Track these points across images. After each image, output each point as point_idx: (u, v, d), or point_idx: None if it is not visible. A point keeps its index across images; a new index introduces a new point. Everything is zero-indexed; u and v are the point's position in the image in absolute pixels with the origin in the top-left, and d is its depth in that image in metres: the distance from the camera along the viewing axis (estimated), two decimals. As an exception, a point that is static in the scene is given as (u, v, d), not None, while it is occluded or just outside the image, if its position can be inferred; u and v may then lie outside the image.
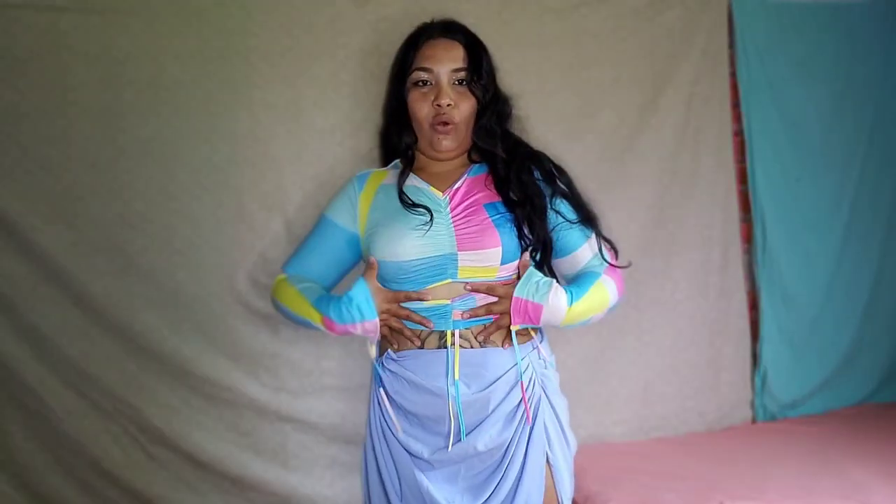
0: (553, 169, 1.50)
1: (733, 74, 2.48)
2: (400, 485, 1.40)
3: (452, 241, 1.35)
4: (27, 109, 1.83)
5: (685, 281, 2.42)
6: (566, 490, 1.44)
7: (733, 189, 2.48)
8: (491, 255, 1.36)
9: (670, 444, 2.30)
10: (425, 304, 1.36)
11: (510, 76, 2.19)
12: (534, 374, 1.41)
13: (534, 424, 1.38)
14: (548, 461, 1.40)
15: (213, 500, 1.97)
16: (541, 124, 2.23)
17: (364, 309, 1.34)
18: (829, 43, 2.56)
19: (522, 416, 1.37)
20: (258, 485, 1.99)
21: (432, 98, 1.37)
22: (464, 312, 1.36)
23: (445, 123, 1.37)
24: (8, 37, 1.80)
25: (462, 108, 1.39)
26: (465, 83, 1.40)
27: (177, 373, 1.94)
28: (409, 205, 1.37)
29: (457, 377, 1.34)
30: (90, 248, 1.88)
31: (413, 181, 1.44)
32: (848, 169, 2.60)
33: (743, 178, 2.53)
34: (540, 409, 1.40)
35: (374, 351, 1.43)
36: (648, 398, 2.39)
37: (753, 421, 2.51)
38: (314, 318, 1.39)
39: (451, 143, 1.40)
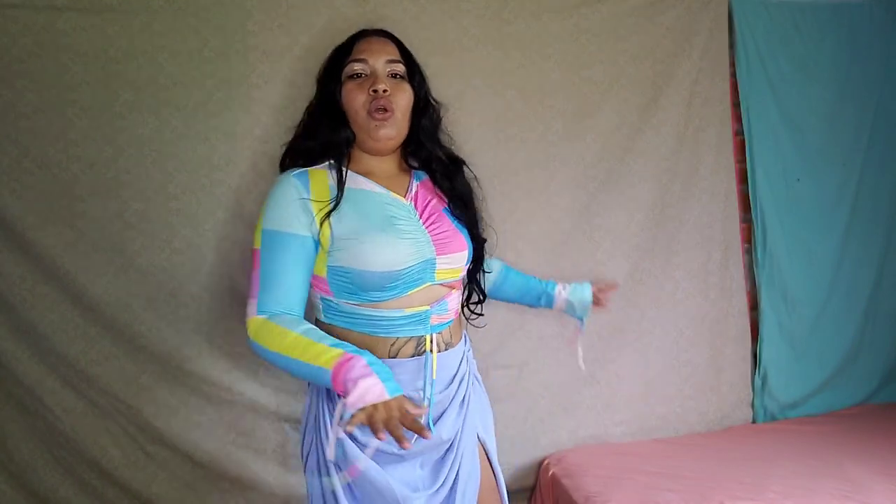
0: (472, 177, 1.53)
1: (733, 74, 2.48)
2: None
3: (431, 247, 1.34)
4: (26, 109, 1.83)
5: (685, 281, 2.42)
6: (497, 462, 1.52)
7: (733, 189, 2.48)
8: (461, 258, 1.39)
9: (670, 444, 2.30)
10: (407, 310, 1.33)
11: (510, 75, 2.20)
12: (469, 363, 1.48)
13: (468, 407, 1.44)
14: (479, 438, 1.47)
15: (212, 500, 1.97)
16: (540, 124, 2.25)
17: (391, 381, 1.17)
18: (829, 43, 2.56)
19: (464, 401, 1.43)
20: (257, 485, 1.98)
21: (368, 86, 1.33)
22: None
23: (384, 110, 1.33)
24: (7, 36, 1.80)
25: (399, 98, 1.35)
26: (399, 76, 1.38)
27: (176, 372, 1.93)
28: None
29: (434, 377, 1.35)
30: (89, 247, 1.87)
31: (368, 185, 1.36)
32: (848, 169, 2.60)
33: (743, 178, 2.53)
34: (474, 392, 1.48)
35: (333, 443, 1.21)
36: (649, 398, 2.39)
37: (753, 421, 2.51)
38: (327, 357, 1.18)
39: (389, 131, 1.34)
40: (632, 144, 2.34)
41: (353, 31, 2.05)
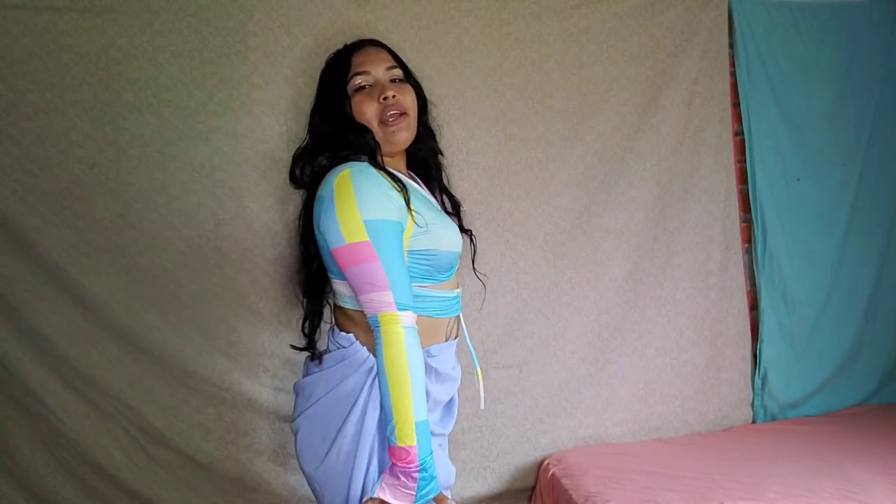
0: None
1: (733, 74, 2.48)
2: None
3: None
4: (27, 110, 1.83)
5: (685, 281, 2.42)
6: None
7: (733, 189, 2.48)
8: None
9: (670, 445, 2.30)
10: (455, 291, 1.44)
11: (511, 75, 2.21)
12: None
13: None
14: None
15: (214, 501, 1.97)
16: (541, 123, 2.25)
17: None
18: (829, 43, 2.56)
19: None
20: (258, 485, 1.99)
21: (376, 95, 1.40)
22: None
23: (399, 115, 1.40)
24: (8, 37, 1.80)
25: (407, 100, 1.43)
26: (400, 80, 1.45)
27: (177, 373, 1.94)
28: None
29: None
30: (91, 248, 1.88)
31: (406, 180, 1.45)
32: (848, 169, 2.60)
33: (743, 178, 2.53)
34: None
35: None
36: (648, 398, 2.39)
37: (753, 421, 2.51)
38: (410, 435, 1.21)
39: (405, 134, 1.41)
40: (632, 144, 2.34)
41: (354, 31, 2.09)
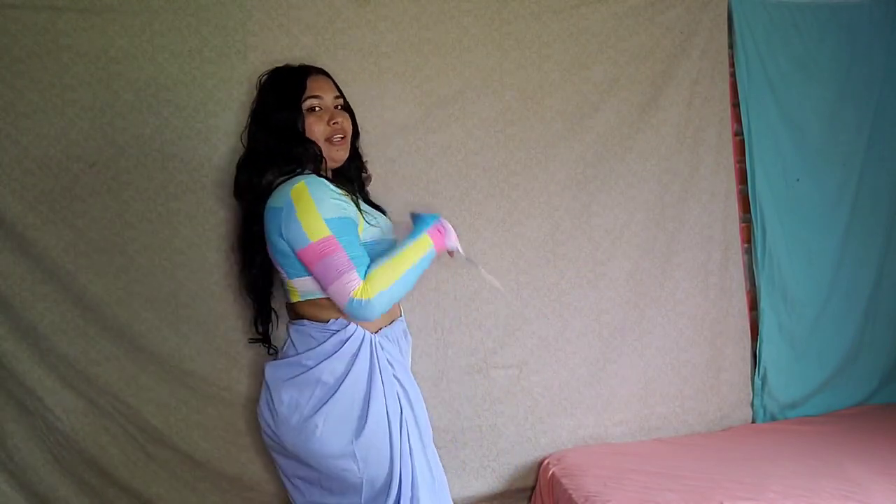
0: None
1: (733, 74, 2.48)
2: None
3: None
4: (27, 109, 1.83)
5: (685, 281, 2.42)
6: None
7: (733, 189, 2.48)
8: None
9: (670, 445, 2.30)
10: None
11: (510, 75, 2.21)
12: None
13: None
14: None
15: (212, 500, 1.97)
16: (540, 123, 2.25)
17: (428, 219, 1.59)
18: (829, 43, 2.56)
19: None
20: (256, 484, 1.99)
21: (326, 119, 1.61)
22: None
23: (342, 138, 1.63)
24: (7, 36, 1.81)
25: (347, 126, 1.65)
26: (342, 107, 1.67)
27: (176, 372, 1.94)
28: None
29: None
30: (90, 247, 1.88)
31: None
32: (848, 169, 2.60)
33: (743, 178, 2.53)
34: None
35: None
36: (648, 398, 2.39)
37: (753, 421, 2.51)
38: (424, 244, 1.52)
39: (343, 153, 1.66)
40: (632, 144, 2.35)
41: (354, 31, 2.09)
